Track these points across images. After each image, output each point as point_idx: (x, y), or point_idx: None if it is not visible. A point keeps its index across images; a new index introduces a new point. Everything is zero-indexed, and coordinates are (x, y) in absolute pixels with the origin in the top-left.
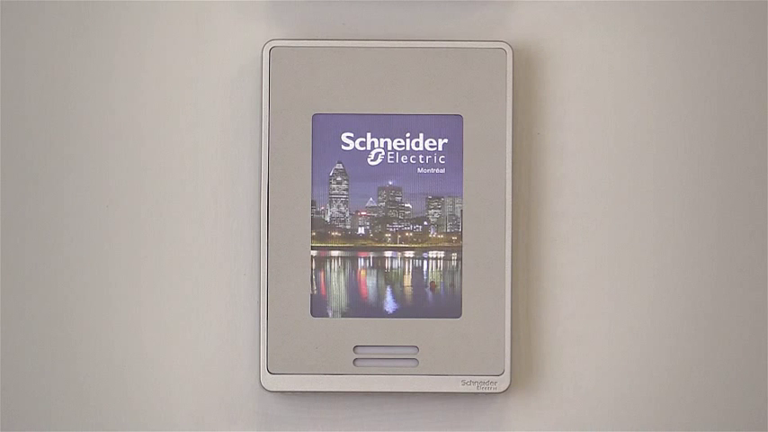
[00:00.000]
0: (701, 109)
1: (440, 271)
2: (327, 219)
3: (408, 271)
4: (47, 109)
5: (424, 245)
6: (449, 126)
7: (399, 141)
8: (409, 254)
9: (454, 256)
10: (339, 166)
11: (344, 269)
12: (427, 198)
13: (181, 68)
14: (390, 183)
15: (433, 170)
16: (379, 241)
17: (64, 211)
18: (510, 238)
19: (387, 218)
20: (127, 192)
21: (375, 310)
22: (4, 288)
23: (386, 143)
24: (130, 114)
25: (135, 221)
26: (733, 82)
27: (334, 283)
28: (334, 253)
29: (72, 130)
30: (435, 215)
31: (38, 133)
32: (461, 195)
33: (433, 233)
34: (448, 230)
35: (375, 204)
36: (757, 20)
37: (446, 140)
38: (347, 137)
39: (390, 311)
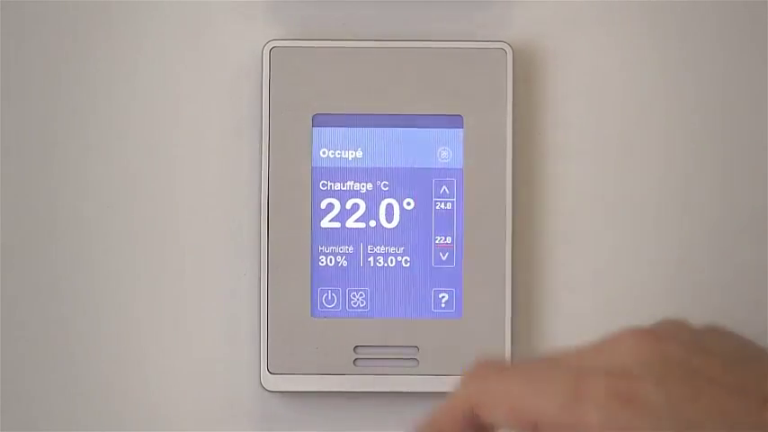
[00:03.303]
0: (702, 109)
1: None
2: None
3: None
4: (44, 110)
5: None
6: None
7: None
8: None
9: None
10: None
11: None
12: None
13: (181, 68)
14: None
15: None
16: None
17: (64, 211)
18: (510, 238)
19: None
20: (127, 192)
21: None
22: (4, 289)
23: None
24: (130, 114)
25: (135, 221)
26: (735, 82)
27: None
28: None
29: (70, 131)
30: None
31: (36, 134)
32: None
33: None
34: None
35: None
36: (759, 20)
37: None
38: None
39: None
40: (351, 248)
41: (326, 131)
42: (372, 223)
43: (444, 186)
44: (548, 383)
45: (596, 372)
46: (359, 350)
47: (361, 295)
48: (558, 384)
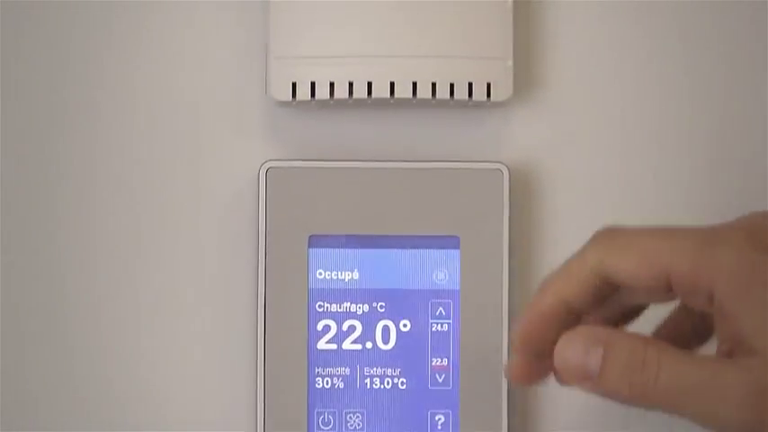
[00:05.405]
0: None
1: None
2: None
3: None
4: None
5: None
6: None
7: None
8: None
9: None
10: None
11: None
12: None
13: (178, 187)
14: None
15: None
16: None
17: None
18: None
19: None
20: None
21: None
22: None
23: None
24: (125, 222)
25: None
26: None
27: None
28: None
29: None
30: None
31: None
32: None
33: None
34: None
35: None
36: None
37: None
38: None
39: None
40: (347, 370)
41: (323, 252)
42: (369, 345)
43: (441, 308)
44: (682, 233)
45: (732, 226)
46: None
47: (357, 417)
48: (691, 233)
